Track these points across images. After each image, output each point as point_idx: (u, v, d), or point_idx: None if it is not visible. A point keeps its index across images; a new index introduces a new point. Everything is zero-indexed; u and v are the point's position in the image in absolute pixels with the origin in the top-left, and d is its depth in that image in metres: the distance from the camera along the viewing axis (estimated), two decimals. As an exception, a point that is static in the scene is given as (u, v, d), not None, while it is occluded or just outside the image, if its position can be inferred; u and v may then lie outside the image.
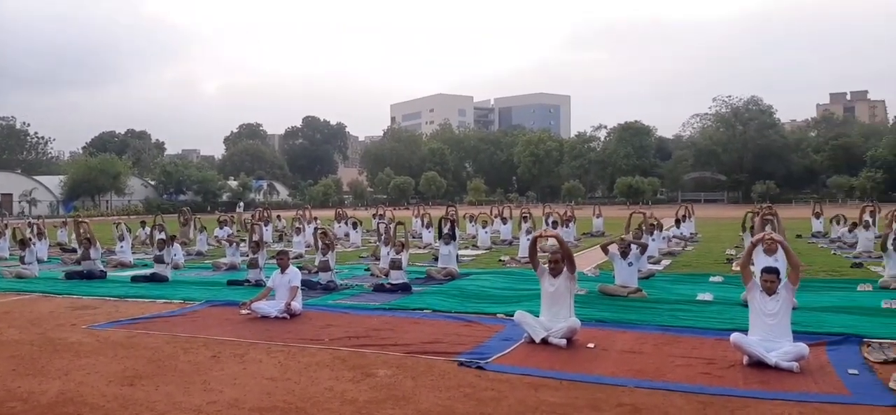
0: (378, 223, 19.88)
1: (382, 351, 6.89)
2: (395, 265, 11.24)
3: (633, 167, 76.18)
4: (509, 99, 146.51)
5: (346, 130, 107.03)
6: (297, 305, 8.96)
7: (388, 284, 11.19)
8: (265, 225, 22.05)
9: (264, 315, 8.75)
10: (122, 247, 17.02)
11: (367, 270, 13.99)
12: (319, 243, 12.36)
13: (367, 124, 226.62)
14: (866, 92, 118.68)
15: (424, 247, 19.64)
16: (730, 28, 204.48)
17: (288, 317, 8.71)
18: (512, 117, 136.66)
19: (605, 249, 11.68)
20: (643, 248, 11.68)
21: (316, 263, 12.54)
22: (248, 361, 6.62)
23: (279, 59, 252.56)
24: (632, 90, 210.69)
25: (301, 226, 20.23)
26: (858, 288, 10.90)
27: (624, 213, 18.21)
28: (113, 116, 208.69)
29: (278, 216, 29.30)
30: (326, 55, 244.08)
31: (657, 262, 15.20)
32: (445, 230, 13.93)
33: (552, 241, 8.63)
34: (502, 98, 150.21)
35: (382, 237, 14.43)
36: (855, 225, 18.60)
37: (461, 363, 6.29)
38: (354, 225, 22.15)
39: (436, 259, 14.33)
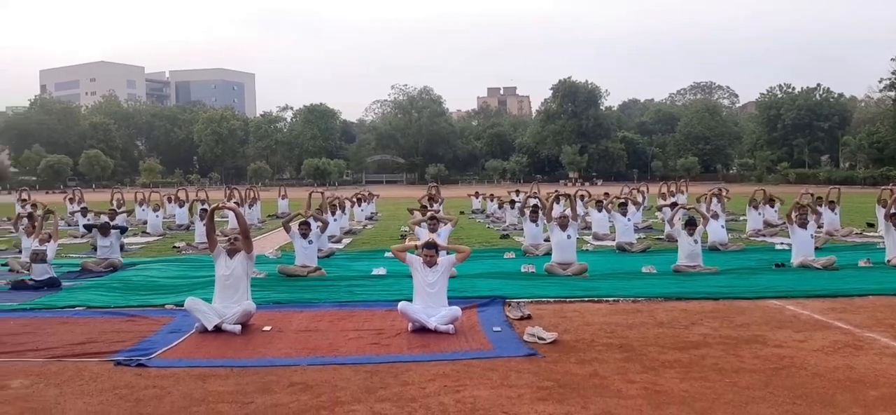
0: (21, 209, 16.89)
1: (19, 358, 5.86)
2: (38, 258, 9.63)
3: (319, 149, 77.52)
4: (187, 72, 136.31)
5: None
6: None
7: (31, 280, 9.56)
8: None
9: None
10: None
11: (5, 265, 11.81)
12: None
13: (7, 92, 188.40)
14: (516, 88, 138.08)
15: (82, 236, 17.28)
16: (405, 24, 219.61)
17: None
18: (190, 93, 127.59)
19: (287, 227, 11.58)
20: (324, 226, 11.94)
21: (-72, 261, 10.15)
22: None
23: None
24: (315, 73, 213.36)
25: None
26: (505, 256, 12.65)
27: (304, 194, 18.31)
28: None
29: None
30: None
31: (338, 240, 15.67)
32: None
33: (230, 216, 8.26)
34: (179, 71, 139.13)
35: (24, 226, 12.27)
36: (502, 203, 21.57)
37: (118, 363, 5.65)
38: (-13, 212, 18.51)
39: (95, 249, 12.70)
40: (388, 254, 12.95)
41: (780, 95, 74.88)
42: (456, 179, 73.79)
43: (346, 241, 16.15)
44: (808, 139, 71.61)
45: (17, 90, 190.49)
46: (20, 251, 12.62)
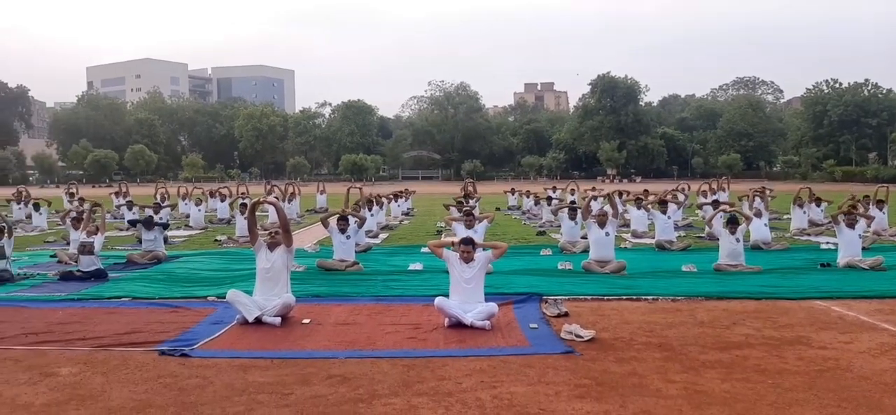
0: (68, 203, 17.49)
1: (67, 347, 6.05)
2: (86, 250, 9.93)
3: (356, 145, 78.15)
4: (229, 69, 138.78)
5: (30, 94, 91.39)
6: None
7: (79, 271, 9.86)
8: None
9: None
10: None
11: (54, 256, 12.20)
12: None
13: (56, 88, 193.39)
14: (553, 84, 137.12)
15: (128, 229, 17.73)
16: (442, 20, 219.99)
17: (-61, 317, 7.17)
18: (232, 89, 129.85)
19: (325, 222, 11.72)
20: (362, 222, 12.05)
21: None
22: None
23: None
24: (354, 70, 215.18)
25: (-34, 207, 16.86)
26: (541, 253, 12.58)
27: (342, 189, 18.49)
28: None
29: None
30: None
31: (375, 235, 15.78)
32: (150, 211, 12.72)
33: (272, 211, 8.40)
34: (221, 68, 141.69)
35: (71, 219, 12.66)
36: (538, 200, 21.48)
37: (162, 353, 5.80)
38: (37, 206, 19.18)
39: (140, 242, 13.03)
40: (424, 249, 13.02)
41: (826, 91, 72.64)
42: (492, 176, 73.65)
43: (382, 236, 16.26)
44: (855, 136, 69.38)
45: (66, 87, 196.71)
46: (68, 243, 13.03)
